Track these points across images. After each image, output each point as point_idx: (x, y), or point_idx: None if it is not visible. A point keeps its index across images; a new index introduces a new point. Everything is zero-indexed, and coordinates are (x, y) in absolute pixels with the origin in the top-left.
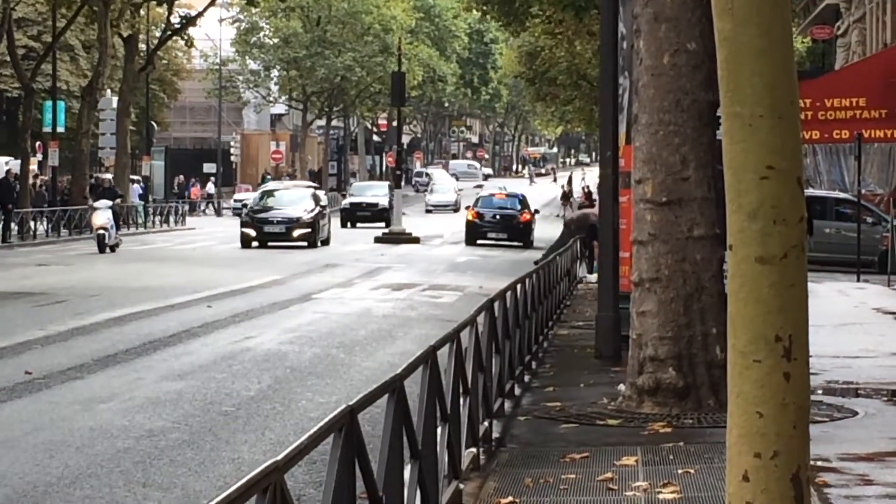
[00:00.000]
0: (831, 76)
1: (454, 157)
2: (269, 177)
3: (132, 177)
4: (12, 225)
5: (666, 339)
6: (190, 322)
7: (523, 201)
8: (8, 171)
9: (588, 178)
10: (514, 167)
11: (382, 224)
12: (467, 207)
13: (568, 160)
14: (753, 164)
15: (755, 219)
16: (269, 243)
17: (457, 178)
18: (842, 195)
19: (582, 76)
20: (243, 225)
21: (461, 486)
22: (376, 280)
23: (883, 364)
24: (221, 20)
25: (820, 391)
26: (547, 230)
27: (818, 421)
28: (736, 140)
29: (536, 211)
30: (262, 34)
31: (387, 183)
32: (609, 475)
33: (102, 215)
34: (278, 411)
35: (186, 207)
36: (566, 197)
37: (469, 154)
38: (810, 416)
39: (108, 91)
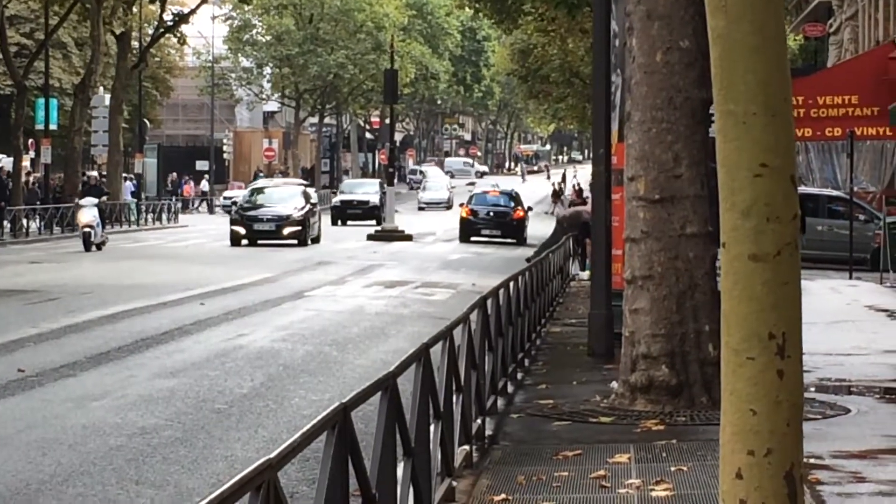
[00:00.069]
0: (824, 74)
1: (447, 154)
2: (261, 174)
3: (125, 174)
4: (5, 223)
5: (659, 336)
6: (182, 320)
7: (517, 198)
8: (0, 169)
9: (579, 175)
10: (507, 165)
11: (373, 222)
12: (461, 205)
13: (560, 157)
14: (747, 162)
15: (749, 216)
16: (259, 241)
17: (452, 176)
18: (834, 193)
19: (574, 74)
20: (233, 223)
21: (454, 483)
22: (369, 278)
23: (875, 361)
24: (214, 17)
25: (812, 389)
26: (539, 227)
27: (811, 418)
28: (729, 138)
29: (530, 208)
30: (254, 31)
31: (377, 180)
32: (602, 473)
33: (88, 213)
34: (271, 409)
35: (179, 205)
36: (557, 194)
37: (462, 151)
38: (803, 413)
39: (101, 88)
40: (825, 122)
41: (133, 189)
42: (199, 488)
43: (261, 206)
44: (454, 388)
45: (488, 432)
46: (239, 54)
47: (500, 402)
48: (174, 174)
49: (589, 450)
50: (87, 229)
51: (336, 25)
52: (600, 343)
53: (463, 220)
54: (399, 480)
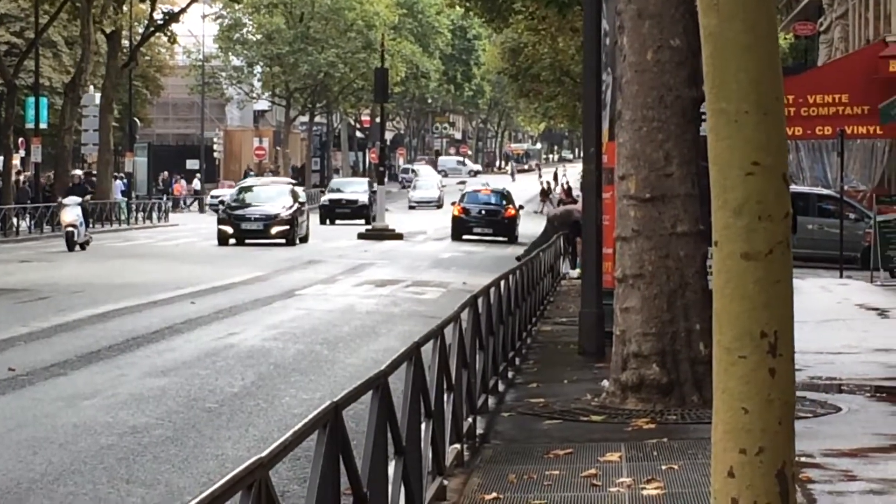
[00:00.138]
0: (814, 73)
1: (437, 153)
2: (251, 173)
3: (115, 173)
4: None
5: (649, 335)
6: (173, 318)
7: (508, 197)
8: None
9: (568, 174)
10: (498, 163)
11: (362, 221)
12: (453, 203)
13: (551, 156)
14: (739, 161)
15: (740, 215)
16: (247, 241)
17: (446, 175)
18: (825, 191)
19: (565, 72)
20: (220, 222)
21: (445, 482)
22: (359, 276)
23: (866, 360)
24: (204, 16)
25: (803, 387)
26: (530, 226)
27: (802, 417)
28: (721, 136)
29: (521, 207)
30: (245, 30)
31: (366, 179)
32: (593, 471)
33: (71, 212)
34: (262, 408)
35: (170, 204)
36: (545, 193)
37: (452, 150)
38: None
39: (91, 87)
40: (816, 121)
41: (123, 188)
42: (190, 487)
43: (248, 205)
44: (445, 386)
45: (479, 431)
46: (229, 53)
47: (492, 401)
48: (165, 173)
49: (580, 448)
50: (70, 228)
51: (326, 24)
52: (591, 342)
53: (455, 219)
54: (390, 479)
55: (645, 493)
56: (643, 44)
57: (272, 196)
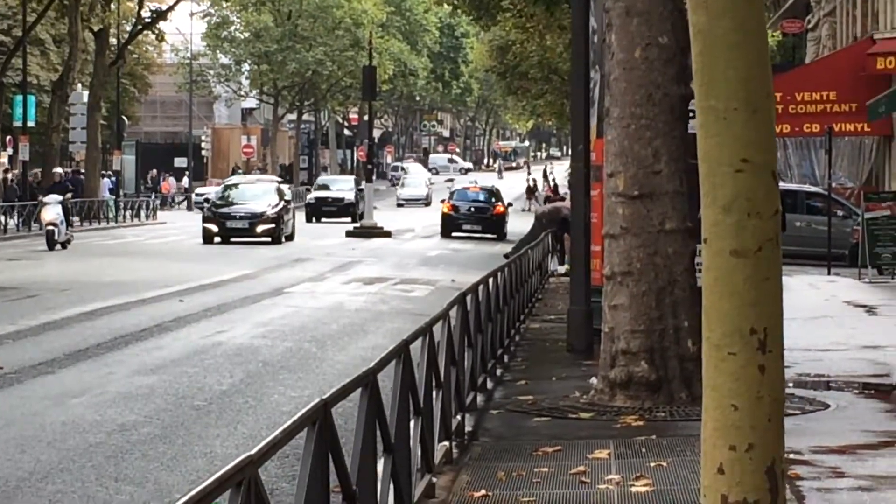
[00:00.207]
0: (802, 70)
1: (426, 151)
2: (239, 171)
3: (103, 171)
4: None
5: (638, 332)
6: (161, 316)
7: (497, 194)
8: None
9: (555, 172)
10: (486, 161)
11: (349, 219)
12: (442, 201)
13: (539, 154)
14: (728, 158)
15: (730, 212)
16: (232, 239)
17: (437, 172)
18: (812, 189)
19: (553, 70)
20: (205, 220)
21: (434, 479)
22: (348, 274)
23: (854, 357)
24: (192, 14)
25: (791, 384)
26: (517, 224)
27: (790, 414)
28: (711, 133)
29: (510, 204)
30: (232, 28)
31: (352, 177)
32: (581, 468)
33: (52, 210)
34: (250, 405)
35: (158, 201)
36: (531, 191)
37: (440, 148)
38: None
39: (79, 85)
40: (803, 118)
41: (111, 186)
42: (179, 485)
43: (234, 203)
44: (434, 384)
45: (468, 428)
46: (217, 51)
47: (480, 399)
48: (154, 171)
49: (568, 446)
50: (50, 227)
51: (314, 22)
52: (579, 339)
53: (444, 216)
54: (379, 477)
55: (633, 490)
56: (631, 41)
57: (258, 194)
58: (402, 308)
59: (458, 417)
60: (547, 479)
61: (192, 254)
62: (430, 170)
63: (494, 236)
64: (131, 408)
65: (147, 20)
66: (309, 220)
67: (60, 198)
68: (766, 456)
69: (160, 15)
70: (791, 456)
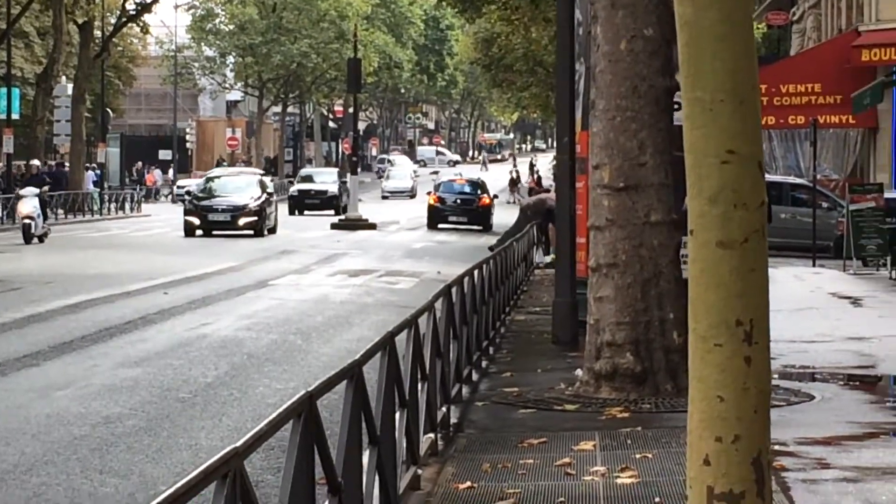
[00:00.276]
0: (787, 62)
1: (410, 143)
2: (224, 163)
3: (87, 164)
4: None
5: (623, 324)
6: (146, 309)
7: (483, 186)
8: None
9: (539, 164)
10: (471, 153)
11: (332, 212)
12: (428, 193)
13: (524, 146)
14: (714, 149)
15: (716, 203)
16: (214, 232)
17: (424, 164)
18: (797, 181)
19: (538, 62)
20: (187, 213)
21: (419, 471)
22: (333, 266)
23: (839, 348)
24: (177, 7)
25: (777, 375)
26: (503, 216)
27: (776, 405)
28: (697, 125)
29: (495, 196)
30: (217, 21)
31: (336, 169)
32: (567, 460)
33: (28, 203)
34: (235, 398)
35: (143, 194)
36: (514, 183)
37: (425, 140)
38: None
39: (63, 78)
40: (788, 110)
41: (95, 179)
42: (164, 477)
43: (216, 195)
44: (419, 376)
45: (453, 420)
46: (202, 43)
47: (465, 391)
48: (140, 163)
49: (554, 437)
50: (27, 221)
51: (299, 14)
52: (565, 331)
53: (431, 208)
54: (365, 468)
55: (619, 481)
56: (616, 33)
57: (240, 187)
58: (387, 300)
59: (444, 409)
60: (532, 470)
61: (176, 246)
62: (417, 162)
63: (480, 228)
64: (116, 400)
65: (131, 12)
66: (292, 212)
67: (37, 191)
68: (752, 447)
69: (145, 7)
70: (776, 447)
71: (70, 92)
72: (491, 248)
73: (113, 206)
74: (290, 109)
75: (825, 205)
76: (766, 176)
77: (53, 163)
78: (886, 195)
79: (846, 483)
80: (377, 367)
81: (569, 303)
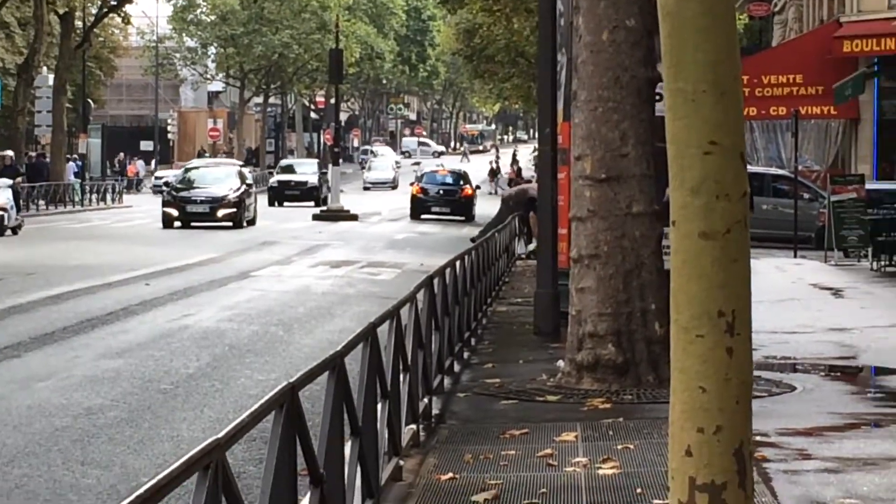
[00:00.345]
0: (768, 53)
1: (392, 134)
2: (206, 154)
3: (68, 155)
4: None
5: (605, 315)
6: (128, 300)
7: (465, 177)
8: None
9: (519, 155)
10: (453, 144)
11: (312, 203)
12: (411, 184)
13: (506, 137)
14: (696, 140)
15: (698, 194)
16: (192, 223)
17: (409, 155)
18: (779, 171)
19: (520, 53)
20: (165, 204)
21: (401, 462)
22: (315, 257)
23: (820, 339)
24: None
25: (758, 366)
26: (484, 207)
27: (757, 396)
28: (679, 115)
29: (478, 187)
30: (199, 11)
31: (316, 160)
32: (549, 451)
33: (1, 195)
34: (217, 389)
35: (124, 185)
36: (493, 173)
37: (407, 131)
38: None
39: (45, 69)
40: (770, 101)
41: (76, 170)
42: (146, 468)
43: (194, 186)
44: (401, 367)
45: (435, 411)
46: (183, 34)
47: (447, 382)
48: (122, 154)
49: (536, 428)
50: (0, 212)
51: (281, 5)
52: (546, 322)
53: (414, 198)
54: (347, 460)
55: (601, 472)
56: (598, 24)
57: (219, 178)
58: (369, 291)
59: (426, 400)
60: (514, 461)
61: (157, 237)
62: (403, 153)
63: (463, 218)
64: (97, 391)
65: (113, 3)
66: (272, 203)
67: (10, 182)
68: (733, 438)
69: None
70: (758, 438)
71: (51, 82)
72: (473, 240)
73: (94, 197)
74: (271, 100)
75: (806, 196)
76: (748, 167)
77: (34, 154)
78: (868, 186)
79: (827, 474)
80: (359, 358)
81: (550, 294)
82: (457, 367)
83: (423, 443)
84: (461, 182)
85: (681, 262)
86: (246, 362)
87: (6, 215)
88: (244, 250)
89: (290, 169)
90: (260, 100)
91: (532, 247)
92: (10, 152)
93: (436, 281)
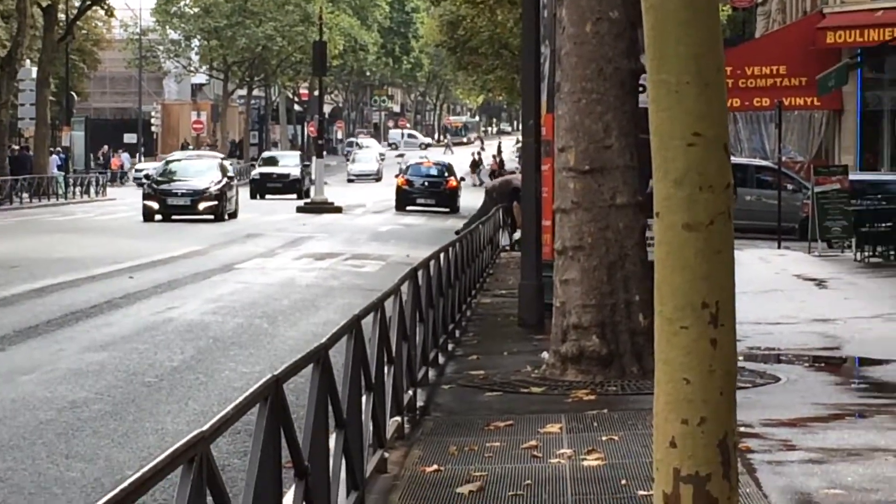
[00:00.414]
0: (752, 44)
1: (376, 126)
2: (189, 146)
3: (52, 148)
4: None
5: (589, 306)
6: (112, 293)
7: (450, 169)
8: None
9: (502, 147)
10: (436, 136)
11: (294, 196)
12: (396, 175)
13: (490, 129)
14: (680, 131)
15: (682, 185)
16: (173, 217)
17: (396, 147)
18: (762, 163)
19: (503, 45)
20: (145, 197)
21: (386, 454)
22: (299, 250)
23: (804, 330)
24: None
25: (742, 358)
26: (469, 199)
27: (741, 387)
28: (662, 107)
29: (462, 178)
30: (182, 3)
31: (298, 153)
32: (533, 443)
33: None
34: (202, 382)
35: (108, 178)
36: (475, 165)
37: (391, 123)
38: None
39: (28, 61)
40: (753, 93)
41: (60, 163)
42: (130, 461)
43: (175, 179)
44: (386, 359)
45: (420, 403)
46: (167, 26)
47: (432, 374)
48: (106, 147)
49: (520, 420)
50: None
51: None
52: (531, 313)
53: (399, 190)
54: (331, 452)
55: (585, 464)
56: (582, 16)
57: (200, 170)
58: (354, 283)
59: (410, 393)
60: (499, 453)
61: (141, 230)
62: (390, 145)
63: (448, 210)
64: (82, 384)
65: None
66: (253, 196)
67: None
68: (718, 429)
69: None
70: (742, 429)
71: (34, 75)
72: (457, 233)
73: (78, 189)
74: (255, 92)
75: (790, 187)
76: (732, 158)
77: (17, 147)
78: (851, 177)
79: (812, 464)
80: (343, 350)
81: (534, 285)
82: (441, 359)
83: (407, 435)
84: (446, 174)
85: (665, 254)
86: (230, 355)
87: None
88: (228, 243)
89: (272, 161)
90: (244, 92)
91: (517, 236)
92: None
93: (420, 273)
